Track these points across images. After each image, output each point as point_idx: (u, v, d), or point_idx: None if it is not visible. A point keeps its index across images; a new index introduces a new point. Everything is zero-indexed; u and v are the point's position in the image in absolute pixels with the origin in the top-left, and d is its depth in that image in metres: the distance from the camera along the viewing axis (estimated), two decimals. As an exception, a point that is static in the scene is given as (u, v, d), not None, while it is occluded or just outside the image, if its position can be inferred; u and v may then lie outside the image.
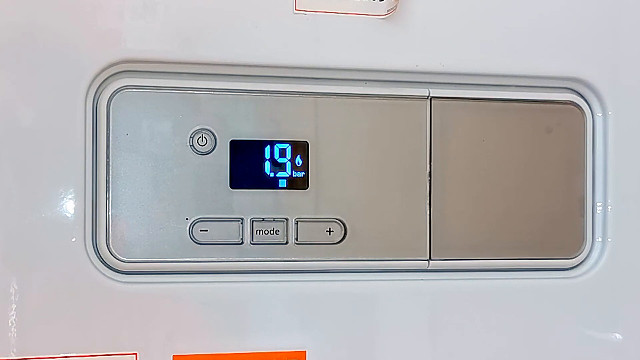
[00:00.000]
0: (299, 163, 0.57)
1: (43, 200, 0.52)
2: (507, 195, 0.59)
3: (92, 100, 0.54)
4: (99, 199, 0.54)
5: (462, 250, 0.59)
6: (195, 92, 0.55)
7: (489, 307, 0.59)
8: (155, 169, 0.54)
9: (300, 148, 0.57)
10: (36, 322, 0.52)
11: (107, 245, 0.54)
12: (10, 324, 0.52)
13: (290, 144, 0.56)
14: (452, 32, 0.58)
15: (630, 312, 0.62)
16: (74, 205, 0.53)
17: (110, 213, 0.54)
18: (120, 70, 0.54)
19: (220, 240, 0.55)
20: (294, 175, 0.56)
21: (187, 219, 0.55)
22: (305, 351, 0.56)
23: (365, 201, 0.57)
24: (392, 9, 0.57)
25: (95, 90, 0.54)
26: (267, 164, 0.56)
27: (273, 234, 0.56)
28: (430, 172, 0.58)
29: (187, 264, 0.55)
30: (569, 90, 0.61)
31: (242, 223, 0.56)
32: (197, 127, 0.55)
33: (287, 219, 0.56)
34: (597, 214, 0.61)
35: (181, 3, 0.54)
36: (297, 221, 0.56)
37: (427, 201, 0.58)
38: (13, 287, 0.52)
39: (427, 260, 0.58)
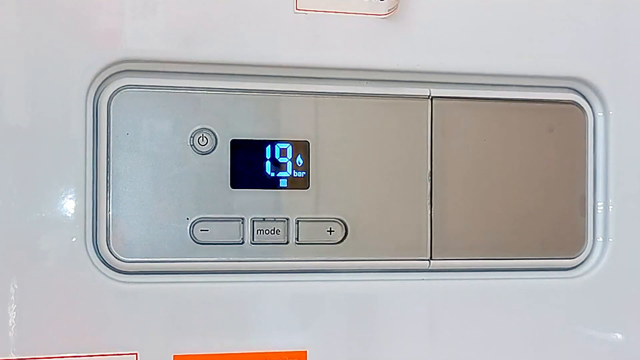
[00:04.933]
0: (299, 163, 0.56)
1: (43, 200, 0.52)
2: (508, 195, 0.59)
3: (92, 100, 0.54)
4: (99, 198, 0.54)
5: (463, 250, 0.59)
6: (196, 91, 0.55)
7: (489, 307, 0.59)
8: (156, 168, 0.54)
9: (300, 148, 0.57)
10: (36, 322, 0.52)
11: (107, 245, 0.54)
12: (10, 324, 0.52)
13: (290, 144, 0.56)
14: (453, 31, 0.58)
15: (630, 312, 0.62)
16: (74, 205, 0.53)
17: (110, 213, 0.54)
18: (120, 69, 0.54)
19: (220, 240, 0.55)
20: (294, 175, 0.56)
21: (187, 218, 0.55)
22: (305, 351, 0.56)
23: (366, 201, 0.57)
24: (392, 8, 0.57)
25: (95, 90, 0.54)
26: (268, 164, 0.56)
27: (274, 233, 0.56)
28: (431, 171, 0.58)
29: (187, 264, 0.55)
30: (570, 90, 0.61)
31: (242, 223, 0.55)
32: (198, 127, 0.55)
33: (287, 219, 0.56)
34: (598, 214, 0.61)
35: (181, 3, 0.54)
36: (298, 221, 0.56)
37: (428, 201, 0.58)
38: (13, 287, 0.52)
39: (428, 260, 0.58)
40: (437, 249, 0.58)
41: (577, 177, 0.61)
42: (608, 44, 0.60)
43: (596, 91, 0.61)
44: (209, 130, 0.55)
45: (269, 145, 0.56)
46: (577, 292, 0.61)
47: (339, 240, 0.57)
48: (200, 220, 0.55)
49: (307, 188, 0.57)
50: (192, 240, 0.55)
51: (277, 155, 0.56)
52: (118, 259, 0.54)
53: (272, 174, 0.56)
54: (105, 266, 0.54)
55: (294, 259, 0.56)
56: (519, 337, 0.60)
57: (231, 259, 0.55)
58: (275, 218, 0.56)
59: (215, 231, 0.55)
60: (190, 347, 0.55)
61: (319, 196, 0.57)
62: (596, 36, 0.60)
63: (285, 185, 0.56)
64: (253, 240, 0.56)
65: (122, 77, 0.54)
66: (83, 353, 0.53)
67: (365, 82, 0.58)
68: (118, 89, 0.54)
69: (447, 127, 0.58)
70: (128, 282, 0.54)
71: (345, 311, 0.57)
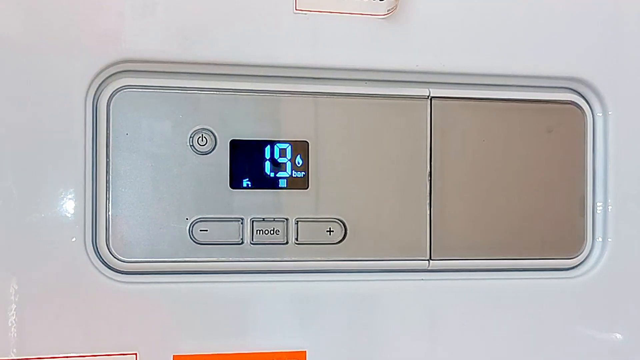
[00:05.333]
0: (299, 163, 0.56)
1: (43, 200, 0.52)
2: (507, 195, 0.59)
3: (92, 100, 0.54)
4: (99, 199, 0.54)
5: (463, 250, 0.59)
6: (195, 91, 0.55)
7: (489, 307, 0.59)
8: (155, 168, 0.54)
9: (300, 148, 0.57)
10: (36, 322, 0.52)
11: (107, 245, 0.54)
12: (10, 324, 0.52)
13: (290, 144, 0.56)
14: (452, 31, 0.58)
15: (630, 312, 0.62)
16: (74, 205, 0.53)
17: (110, 213, 0.54)
18: (120, 70, 0.54)
19: (220, 240, 0.55)
20: (294, 175, 0.56)
21: (187, 219, 0.55)
22: (305, 351, 0.56)
23: (366, 201, 0.57)
24: (392, 8, 0.57)
25: (95, 90, 0.54)
26: (267, 164, 0.56)
27: (273, 234, 0.56)
28: (430, 172, 0.58)
29: (187, 264, 0.55)
30: (570, 90, 0.61)
31: (242, 223, 0.56)
32: (197, 127, 0.55)
33: (287, 219, 0.56)
34: (597, 214, 0.61)
35: (181, 3, 0.54)
36: (297, 221, 0.56)
37: (428, 201, 0.58)
38: (13, 287, 0.52)
39: (428, 260, 0.58)
40: (436, 249, 0.58)
41: (577, 177, 0.61)
42: (608, 44, 0.60)
43: (595, 91, 0.61)
44: (209, 130, 0.55)
45: (269, 146, 0.56)
46: (577, 292, 0.60)
47: (338, 241, 0.57)
48: (200, 220, 0.55)
49: (307, 188, 0.57)
50: (191, 240, 0.55)
51: (276, 156, 0.56)
52: (118, 259, 0.54)
53: (272, 174, 0.56)
54: (104, 266, 0.54)
55: (293, 259, 0.56)
56: (519, 337, 0.60)
57: (230, 259, 0.55)
58: (274, 218, 0.56)
59: (215, 231, 0.55)
60: (190, 347, 0.55)
61: (318, 196, 0.57)
62: (595, 36, 0.60)
63: (285, 186, 0.56)
64: (252, 240, 0.56)
65: (121, 77, 0.54)
66: (83, 353, 0.53)
67: (365, 82, 0.58)
68: (118, 89, 0.54)
69: (446, 127, 0.58)
70: (128, 282, 0.54)
71: (345, 311, 0.57)
